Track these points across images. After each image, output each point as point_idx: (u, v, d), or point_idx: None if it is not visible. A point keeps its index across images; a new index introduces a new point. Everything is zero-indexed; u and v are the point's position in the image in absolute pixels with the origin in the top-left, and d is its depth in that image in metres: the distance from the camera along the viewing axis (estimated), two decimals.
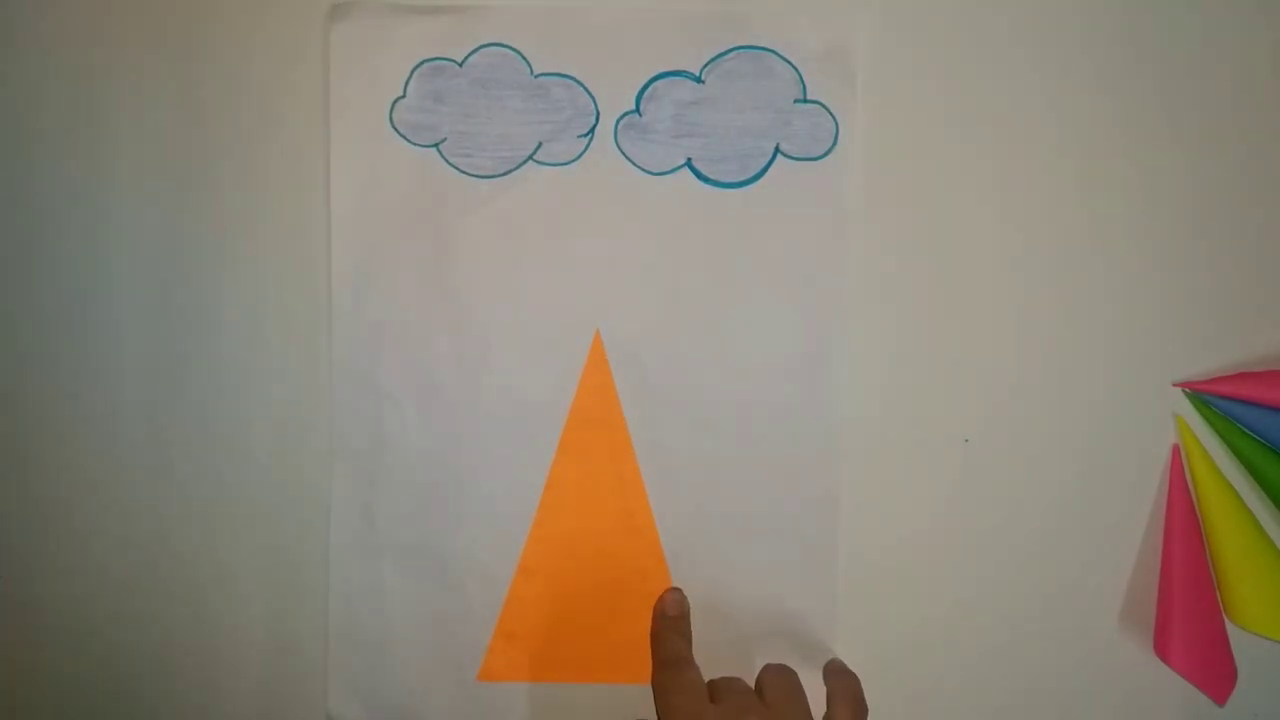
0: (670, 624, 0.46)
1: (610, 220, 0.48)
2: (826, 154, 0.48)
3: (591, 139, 0.48)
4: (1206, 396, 0.47)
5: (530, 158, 0.48)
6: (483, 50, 0.48)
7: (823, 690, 0.43)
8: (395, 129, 0.48)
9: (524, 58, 0.48)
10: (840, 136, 0.48)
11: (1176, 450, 0.48)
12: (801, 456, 0.48)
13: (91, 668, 0.50)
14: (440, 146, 0.48)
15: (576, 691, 0.49)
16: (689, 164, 0.48)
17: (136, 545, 0.49)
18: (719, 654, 0.48)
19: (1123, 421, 0.48)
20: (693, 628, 0.46)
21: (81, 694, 0.50)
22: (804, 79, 0.48)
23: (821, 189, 0.48)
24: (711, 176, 0.48)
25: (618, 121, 0.48)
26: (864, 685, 0.43)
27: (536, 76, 0.48)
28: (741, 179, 0.48)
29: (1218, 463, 0.47)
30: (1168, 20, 0.47)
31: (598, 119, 0.48)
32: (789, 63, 0.48)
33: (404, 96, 0.48)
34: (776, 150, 0.48)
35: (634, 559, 0.48)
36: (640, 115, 0.48)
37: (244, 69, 0.48)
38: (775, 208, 0.48)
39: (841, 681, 0.43)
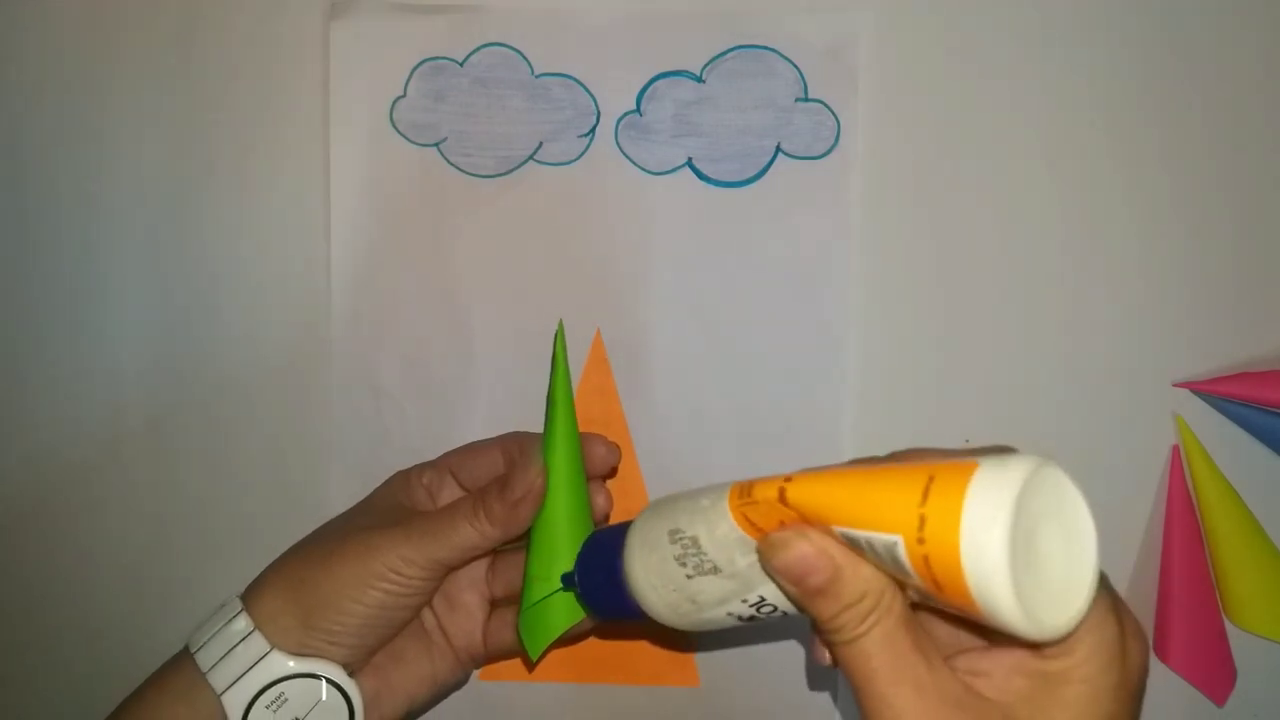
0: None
1: (611, 220, 0.48)
2: (828, 153, 0.48)
3: (592, 139, 0.48)
4: (1207, 397, 0.47)
5: (531, 157, 0.48)
6: (483, 50, 0.48)
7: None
8: (396, 128, 0.48)
9: (525, 57, 0.48)
10: (841, 135, 0.48)
11: (1176, 450, 0.48)
12: (802, 456, 0.48)
13: (92, 668, 0.50)
14: (441, 146, 0.48)
15: (577, 691, 0.49)
16: (690, 163, 0.48)
17: (136, 545, 0.49)
18: (720, 652, 0.48)
19: (1123, 422, 0.48)
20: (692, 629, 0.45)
21: (82, 694, 0.50)
22: (805, 78, 0.48)
23: (823, 188, 0.48)
24: (712, 176, 0.48)
25: (618, 121, 0.48)
26: None
27: (537, 76, 0.48)
28: (742, 178, 0.48)
29: (1218, 463, 0.47)
30: (1168, 20, 0.47)
31: (598, 119, 0.48)
32: (790, 62, 0.48)
33: (404, 96, 0.48)
34: (777, 149, 0.48)
35: None
36: (641, 115, 0.48)
37: (243, 68, 0.48)
38: (776, 207, 0.48)
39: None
